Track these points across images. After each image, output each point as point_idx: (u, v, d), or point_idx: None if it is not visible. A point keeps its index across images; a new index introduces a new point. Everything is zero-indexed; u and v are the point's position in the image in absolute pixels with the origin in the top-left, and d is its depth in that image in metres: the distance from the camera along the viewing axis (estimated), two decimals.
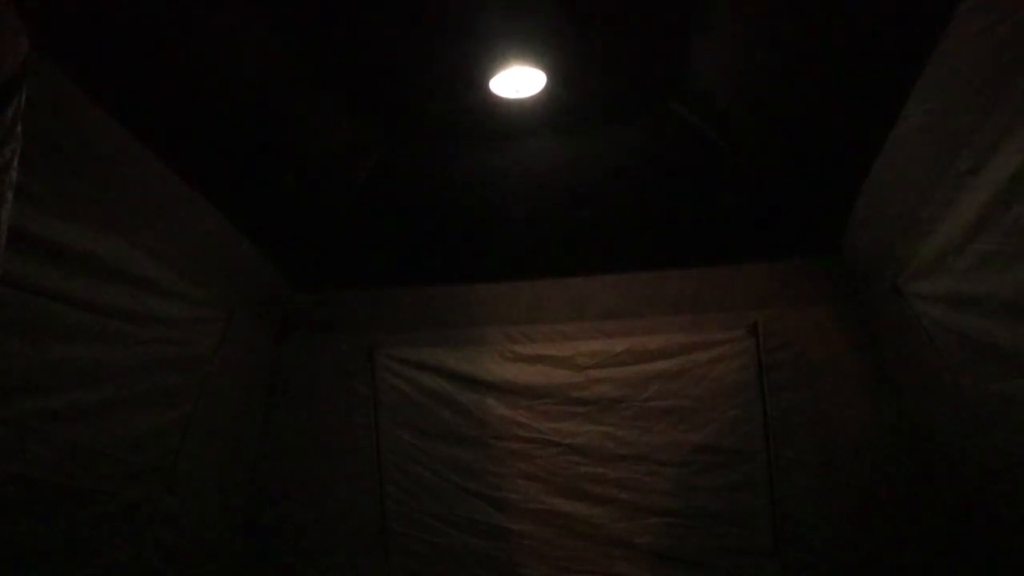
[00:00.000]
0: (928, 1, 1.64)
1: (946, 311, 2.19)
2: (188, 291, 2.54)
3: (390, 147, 3.11)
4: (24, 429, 1.80)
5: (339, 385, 3.39)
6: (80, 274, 1.94)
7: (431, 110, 2.90)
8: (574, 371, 3.24)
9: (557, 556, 3.11)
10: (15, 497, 1.80)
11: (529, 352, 3.30)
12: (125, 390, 2.21)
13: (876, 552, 2.82)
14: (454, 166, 3.19)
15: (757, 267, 3.13)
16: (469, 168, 3.18)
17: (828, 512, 2.90)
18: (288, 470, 3.33)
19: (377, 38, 2.36)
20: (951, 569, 2.70)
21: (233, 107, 2.31)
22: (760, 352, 3.05)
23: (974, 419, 2.25)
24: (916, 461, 2.80)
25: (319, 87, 2.56)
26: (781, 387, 3.02)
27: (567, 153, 3.12)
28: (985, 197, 1.78)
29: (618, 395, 3.18)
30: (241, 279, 2.92)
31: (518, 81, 2.60)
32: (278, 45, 2.26)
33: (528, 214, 3.21)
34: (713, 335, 3.14)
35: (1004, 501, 2.28)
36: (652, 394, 3.15)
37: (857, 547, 2.84)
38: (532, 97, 2.70)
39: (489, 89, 2.63)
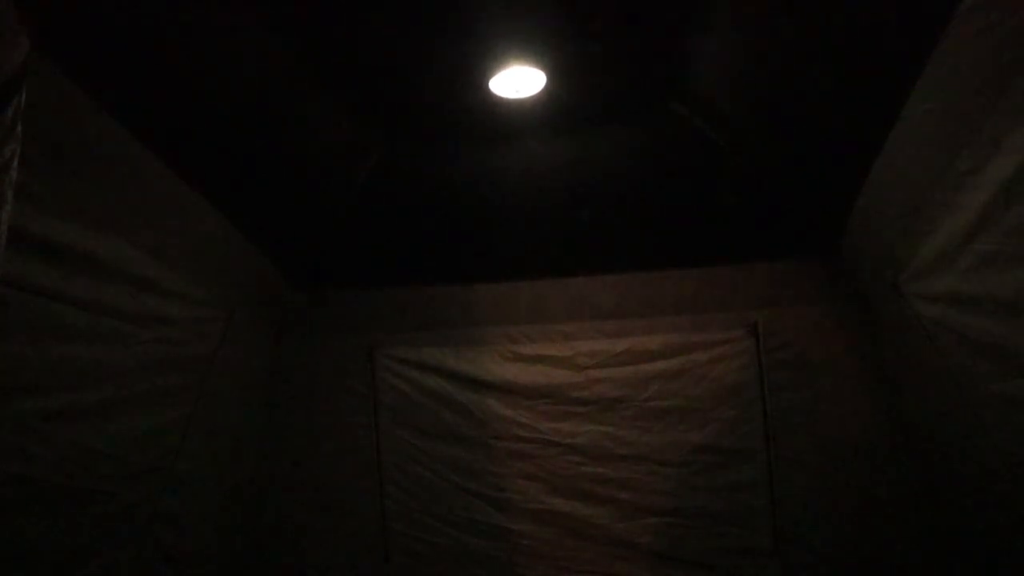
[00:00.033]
0: (928, 1, 1.64)
1: (946, 311, 2.19)
2: (188, 291, 2.53)
3: (390, 147, 3.11)
4: (24, 429, 1.79)
5: (339, 385, 3.39)
6: (80, 274, 1.94)
7: (431, 110, 2.90)
8: (574, 371, 3.24)
9: (557, 556, 3.12)
10: (15, 497, 1.80)
11: (529, 352, 3.30)
12: (125, 390, 2.21)
13: (876, 552, 2.82)
14: (454, 166, 3.19)
15: (757, 267, 3.14)
16: (469, 168, 3.18)
17: (828, 512, 2.90)
18: (288, 470, 3.33)
19: (377, 38, 2.35)
20: (951, 569, 2.70)
21: (233, 107, 2.31)
22: (760, 352, 3.05)
23: (974, 419, 2.25)
24: (916, 461, 2.80)
25: (319, 87, 2.56)
26: (781, 387, 3.02)
27: (567, 153, 3.12)
28: (985, 197, 1.78)
29: (618, 395, 3.18)
30: (241, 279, 2.92)
31: (518, 81, 2.60)
32: (278, 45, 2.26)
33: (528, 214, 3.21)
34: (713, 335, 3.14)
35: (1004, 501, 2.28)
36: (652, 394, 3.15)
37: (857, 547, 2.85)
38: (532, 97, 2.70)
39: (489, 89, 2.63)
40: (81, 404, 2.00)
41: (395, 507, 3.25)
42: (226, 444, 2.96)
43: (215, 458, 2.86)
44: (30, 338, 1.78)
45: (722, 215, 3.09)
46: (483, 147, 3.12)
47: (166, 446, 2.50)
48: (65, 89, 1.71)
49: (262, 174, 2.66)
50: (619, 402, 3.18)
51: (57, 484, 1.94)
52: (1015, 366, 1.91)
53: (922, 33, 1.67)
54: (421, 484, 3.26)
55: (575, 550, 3.11)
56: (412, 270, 3.41)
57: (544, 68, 2.55)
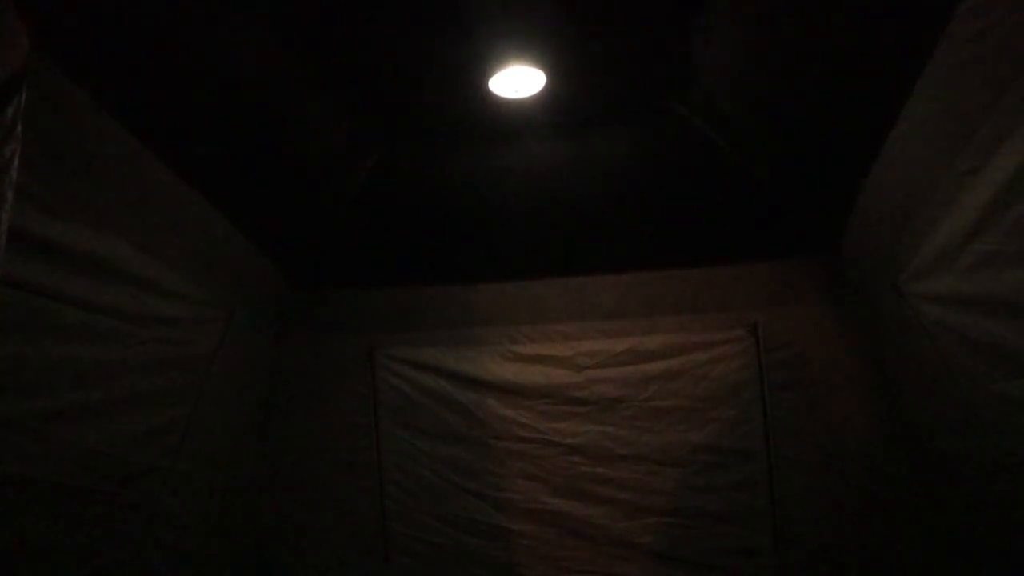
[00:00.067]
0: (928, 1, 1.64)
1: (946, 311, 2.19)
2: (188, 291, 2.53)
3: (390, 147, 3.11)
4: (24, 429, 1.79)
5: (339, 385, 3.39)
6: (80, 274, 1.94)
7: (431, 110, 2.90)
8: (574, 371, 3.24)
9: (557, 556, 3.11)
10: (15, 497, 1.80)
11: (529, 352, 3.30)
12: (125, 390, 2.21)
13: (876, 552, 2.82)
14: (454, 166, 3.19)
15: (757, 267, 3.14)
16: (469, 168, 3.18)
17: (828, 512, 2.90)
18: (288, 470, 3.33)
19: (377, 38, 2.36)
20: (951, 569, 2.69)
21: (233, 107, 2.31)
22: (760, 352, 3.05)
23: (974, 419, 2.25)
24: (916, 461, 2.80)
25: (319, 87, 2.56)
26: (781, 387, 3.02)
27: (567, 153, 3.12)
28: (985, 197, 1.78)
29: (618, 395, 3.18)
30: (241, 279, 2.92)
31: (518, 81, 2.60)
32: (278, 45, 2.26)
33: (528, 214, 3.21)
34: (713, 335, 3.14)
35: (1004, 501, 2.28)
36: (652, 394, 3.15)
37: (857, 547, 2.84)
38: (532, 97, 2.70)
39: (489, 89, 2.63)
40: (81, 404, 2.00)
41: (395, 507, 3.24)
42: (226, 444, 2.95)
43: (215, 458, 2.86)
44: (30, 338, 1.78)
45: (722, 215, 3.09)
46: (483, 147, 3.12)
47: (166, 446, 2.50)
48: (65, 89, 1.71)
49: (262, 174, 2.66)
50: (619, 402, 3.18)
51: (57, 484, 1.93)
52: (1015, 366, 1.91)
53: (922, 33, 1.67)
54: (421, 484, 3.25)
55: (575, 550, 3.11)
56: (412, 270, 3.41)
57: (544, 68, 2.55)
